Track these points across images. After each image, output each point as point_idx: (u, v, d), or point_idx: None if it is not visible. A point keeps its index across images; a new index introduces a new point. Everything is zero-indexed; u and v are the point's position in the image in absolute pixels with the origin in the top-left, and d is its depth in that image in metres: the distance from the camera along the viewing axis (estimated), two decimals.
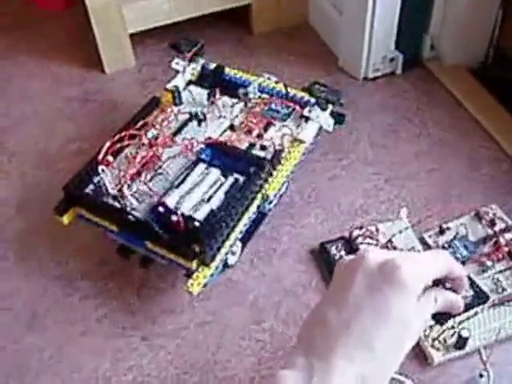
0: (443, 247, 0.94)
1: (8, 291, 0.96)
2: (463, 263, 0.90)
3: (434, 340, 0.84)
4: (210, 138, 0.99)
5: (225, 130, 1.02)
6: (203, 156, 0.96)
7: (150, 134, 0.99)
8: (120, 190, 0.90)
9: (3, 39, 1.47)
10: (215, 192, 0.91)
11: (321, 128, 1.04)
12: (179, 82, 1.10)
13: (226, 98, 1.07)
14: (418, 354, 0.84)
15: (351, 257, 0.57)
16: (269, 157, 0.96)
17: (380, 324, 0.51)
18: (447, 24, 1.24)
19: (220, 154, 0.97)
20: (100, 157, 0.93)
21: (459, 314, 0.58)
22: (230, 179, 0.93)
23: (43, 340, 0.90)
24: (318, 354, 0.51)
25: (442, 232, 0.97)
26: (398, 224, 0.98)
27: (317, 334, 0.53)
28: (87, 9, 1.26)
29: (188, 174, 0.93)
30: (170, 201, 0.89)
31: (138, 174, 0.94)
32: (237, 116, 1.05)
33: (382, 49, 1.26)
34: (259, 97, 1.07)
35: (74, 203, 0.93)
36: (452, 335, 0.83)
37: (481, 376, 0.80)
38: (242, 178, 0.94)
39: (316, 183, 1.09)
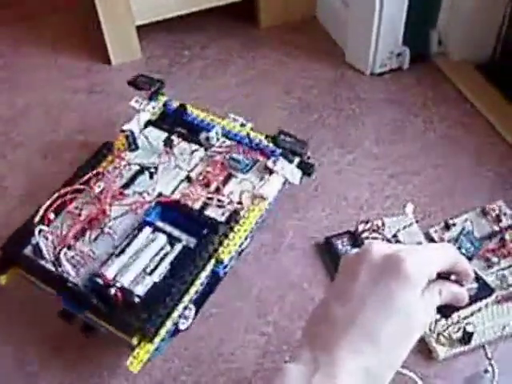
0: (449, 243, 0.94)
1: None
2: (469, 259, 0.90)
3: (439, 335, 0.83)
4: (161, 194, 0.92)
5: (181, 181, 0.95)
6: (151, 217, 0.89)
7: (97, 188, 0.92)
8: (57, 255, 0.83)
9: (9, 30, 1.47)
10: (160, 261, 0.84)
11: (286, 181, 0.96)
12: (135, 125, 1.01)
13: (184, 144, 1.00)
14: (423, 348, 0.84)
15: (356, 250, 0.57)
16: (225, 217, 0.89)
17: (385, 317, 0.51)
18: (455, 19, 1.24)
19: (171, 214, 0.89)
20: (37, 219, 0.86)
21: (464, 307, 0.58)
22: (178, 247, 0.86)
23: None
24: (323, 347, 0.52)
25: (447, 227, 0.97)
26: (403, 219, 0.98)
27: (322, 328, 0.53)
28: (94, 0, 1.26)
29: (133, 239, 0.85)
30: (110, 272, 0.82)
31: (83, 231, 0.87)
32: (196, 165, 0.97)
33: (389, 44, 1.25)
34: (223, 141, 1.00)
35: (12, 263, 0.87)
36: (457, 330, 0.83)
37: (485, 371, 0.79)
38: (193, 240, 0.87)
39: (322, 177, 1.08)
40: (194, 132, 1.02)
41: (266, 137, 1.00)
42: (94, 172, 0.94)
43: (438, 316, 0.59)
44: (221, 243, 0.87)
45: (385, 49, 1.26)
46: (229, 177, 0.96)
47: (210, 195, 0.92)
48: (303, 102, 1.24)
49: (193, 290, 0.83)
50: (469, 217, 0.98)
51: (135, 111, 1.05)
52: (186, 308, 0.84)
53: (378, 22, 1.21)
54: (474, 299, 0.59)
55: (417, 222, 0.97)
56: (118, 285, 0.80)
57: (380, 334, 0.51)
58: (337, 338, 0.51)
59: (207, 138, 0.99)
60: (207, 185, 0.94)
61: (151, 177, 0.95)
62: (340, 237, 0.97)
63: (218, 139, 1.00)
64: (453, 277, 0.56)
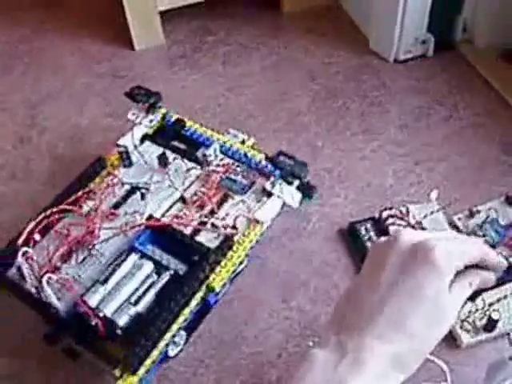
0: (474, 231, 0.93)
1: None
2: (493, 247, 0.90)
3: (463, 321, 0.83)
4: (151, 216, 0.87)
5: (175, 202, 0.91)
6: (141, 240, 0.84)
7: (85, 207, 0.89)
8: (40, 279, 0.78)
9: (34, 15, 1.48)
10: (146, 291, 0.79)
11: (284, 204, 0.92)
12: (129, 140, 0.97)
13: (180, 162, 0.95)
14: (447, 335, 0.83)
15: (385, 238, 0.57)
16: (218, 242, 0.84)
17: (412, 305, 0.51)
18: (481, 6, 1.23)
19: (161, 238, 0.85)
20: (21, 240, 0.82)
21: (489, 289, 0.58)
22: (165, 276, 0.81)
23: None
24: (351, 333, 0.52)
25: (472, 215, 0.96)
26: (427, 206, 0.98)
27: (349, 314, 0.54)
28: None
29: (119, 265, 0.81)
30: (93, 300, 0.77)
31: (70, 252, 0.84)
32: (191, 184, 0.93)
33: (413, 30, 1.24)
34: (221, 159, 0.95)
35: None
36: (482, 317, 0.83)
37: (510, 358, 0.79)
38: (183, 267, 0.82)
39: (346, 163, 1.09)
40: (191, 147, 0.98)
41: (266, 158, 0.95)
42: (85, 190, 0.91)
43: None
44: (212, 270, 0.82)
45: (409, 36, 1.25)
46: (225, 198, 0.91)
47: (203, 219, 0.88)
48: (327, 89, 1.23)
49: (181, 319, 0.79)
50: (493, 205, 0.98)
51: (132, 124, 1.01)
52: (174, 336, 0.80)
53: (402, 9, 1.20)
54: (501, 281, 0.59)
55: (441, 209, 0.97)
56: (101, 314, 0.76)
57: (407, 321, 0.51)
58: (364, 325, 0.52)
59: (204, 155, 0.94)
60: (202, 206, 0.90)
61: (142, 198, 0.91)
62: (364, 223, 0.97)
63: (216, 156, 0.95)
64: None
